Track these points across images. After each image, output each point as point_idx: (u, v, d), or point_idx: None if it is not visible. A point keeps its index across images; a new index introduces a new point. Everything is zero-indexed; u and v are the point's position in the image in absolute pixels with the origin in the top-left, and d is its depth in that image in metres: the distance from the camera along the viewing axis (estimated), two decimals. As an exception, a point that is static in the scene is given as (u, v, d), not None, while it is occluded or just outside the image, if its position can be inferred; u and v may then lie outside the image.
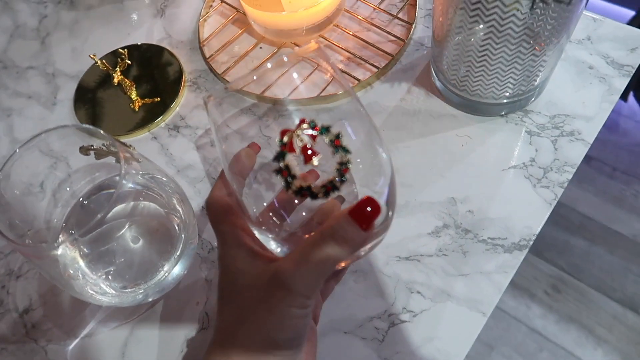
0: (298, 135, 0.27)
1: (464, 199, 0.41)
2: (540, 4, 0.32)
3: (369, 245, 0.30)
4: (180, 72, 0.52)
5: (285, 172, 0.27)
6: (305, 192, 0.27)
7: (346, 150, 0.28)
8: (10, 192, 0.39)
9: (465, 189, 0.41)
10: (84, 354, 0.39)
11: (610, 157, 1.36)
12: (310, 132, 0.27)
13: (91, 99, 0.52)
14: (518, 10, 0.33)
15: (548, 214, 0.39)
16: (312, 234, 0.27)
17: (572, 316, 1.20)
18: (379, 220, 0.28)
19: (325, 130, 0.27)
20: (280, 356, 0.27)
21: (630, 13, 1.37)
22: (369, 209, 0.27)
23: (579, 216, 1.32)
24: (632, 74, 0.44)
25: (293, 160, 0.27)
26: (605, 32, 0.46)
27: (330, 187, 0.28)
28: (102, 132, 0.34)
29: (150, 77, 0.53)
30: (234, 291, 0.29)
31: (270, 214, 0.32)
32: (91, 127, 0.35)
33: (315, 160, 0.28)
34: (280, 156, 0.27)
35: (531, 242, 0.38)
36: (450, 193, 0.41)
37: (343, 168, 0.28)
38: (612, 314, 1.19)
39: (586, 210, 1.31)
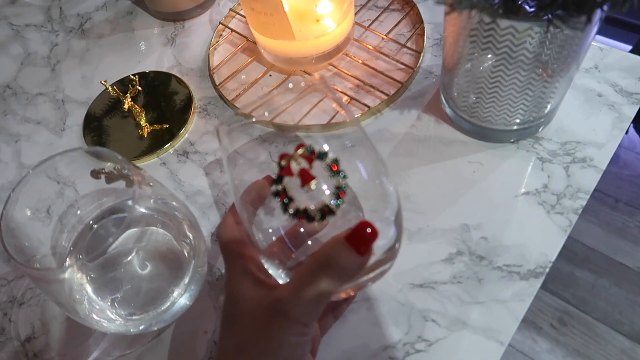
0: (296, 159, 0.27)
1: (477, 226, 0.40)
2: (554, 30, 0.32)
3: (372, 274, 0.30)
4: (189, 99, 0.52)
5: (283, 195, 0.27)
6: (301, 215, 0.27)
7: (343, 175, 0.28)
8: (18, 217, 0.38)
9: (478, 215, 0.41)
10: (87, 385, 0.38)
11: (612, 188, 1.36)
12: (305, 154, 0.28)
13: (100, 125, 0.52)
14: (531, 37, 0.33)
15: (563, 241, 0.39)
16: (307, 259, 0.27)
17: (580, 350, 1.17)
18: (382, 246, 0.28)
19: (323, 155, 0.27)
20: None
21: (627, 47, 1.40)
22: (366, 231, 0.26)
23: (584, 248, 1.31)
24: (641, 102, 0.44)
25: (290, 183, 0.27)
26: (611, 61, 0.47)
27: (326, 211, 0.28)
28: (114, 153, 0.33)
29: (160, 104, 0.53)
30: (235, 317, 0.29)
31: (279, 245, 0.32)
32: (103, 149, 0.35)
33: (312, 184, 0.28)
34: (278, 180, 0.27)
35: (547, 270, 0.38)
36: (463, 219, 0.41)
37: (339, 192, 0.28)
38: (621, 348, 1.17)
39: (590, 242, 1.30)
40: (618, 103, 0.45)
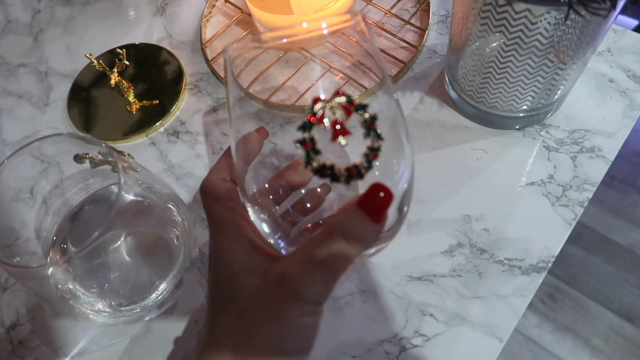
0: (331, 107, 0.24)
1: (479, 217, 0.39)
2: (573, 16, 0.30)
3: (374, 249, 0.28)
4: (180, 74, 0.49)
5: (309, 145, 0.24)
6: (326, 172, 0.24)
7: (379, 136, 0.25)
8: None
9: (481, 206, 0.39)
10: (74, 375, 0.37)
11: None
12: (343, 103, 0.24)
13: (86, 99, 0.50)
14: (547, 20, 0.31)
15: (568, 234, 0.37)
16: (318, 231, 0.24)
17: (568, 326, 1.19)
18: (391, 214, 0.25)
19: (361, 108, 0.24)
20: None
21: (634, 22, 1.37)
22: (380, 195, 0.23)
23: (577, 225, 1.31)
24: (653, 89, 0.43)
25: (319, 133, 0.24)
26: (626, 45, 0.45)
27: (354, 172, 0.24)
28: (100, 141, 0.31)
29: (149, 79, 0.50)
30: (232, 293, 0.25)
31: (267, 193, 0.30)
32: (87, 135, 0.33)
33: (342, 140, 0.24)
34: (306, 126, 0.24)
35: (550, 265, 0.36)
36: (465, 210, 0.39)
37: (372, 154, 0.25)
38: (609, 325, 1.18)
39: (583, 219, 1.30)
40: (630, 90, 0.43)
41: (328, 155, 0.25)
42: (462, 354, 0.34)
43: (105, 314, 0.36)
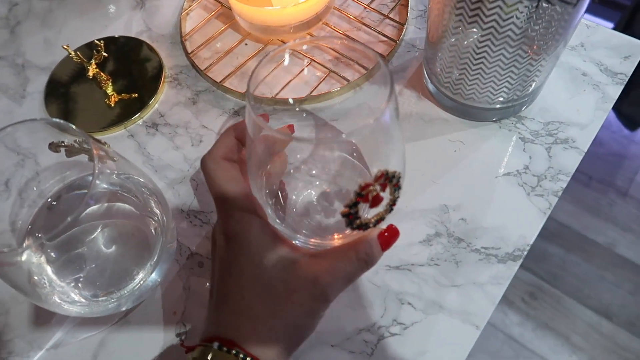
0: (373, 187, 0.29)
1: (456, 207, 0.39)
2: (544, 5, 0.30)
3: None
4: (160, 68, 0.49)
5: (352, 217, 0.29)
6: (361, 227, 0.30)
7: (399, 190, 0.31)
8: (-28, 190, 0.36)
9: (458, 196, 0.40)
10: (49, 368, 0.36)
11: (586, 166, 1.38)
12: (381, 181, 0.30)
13: (64, 93, 0.49)
14: (520, 11, 0.32)
15: (542, 223, 0.38)
16: (346, 250, 0.30)
17: (548, 324, 1.20)
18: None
19: (393, 177, 0.30)
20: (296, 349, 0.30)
21: (609, 25, 1.40)
22: (396, 234, 0.31)
23: (556, 224, 1.33)
24: (625, 82, 0.44)
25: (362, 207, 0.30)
26: (598, 40, 0.46)
27: (380, 220, 0.31)
28: (73, 127, 0.31)
29: (128, 72, 0.50)
30: (256, 273, 0.29)
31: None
32: (62, 121, 0.32)
33: (381, 207, 0.31)
34: (354, 205, 0.29)
35: (525, 253, 0.37)
36: (443, 200, 0.40)
37: (393, 203, 0.31)
38: (588, 322, 1.20)
39: (563, 219, 1.32)
40: (602, 83, 0.44)
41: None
42: (439, 342, 0.35)
43: (81, 304, 0.35)
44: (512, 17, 0.32)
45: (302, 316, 0.29)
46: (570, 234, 1.31)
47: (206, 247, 0.39)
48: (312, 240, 0.34)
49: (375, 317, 0.36)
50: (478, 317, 0.35)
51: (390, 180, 0.30)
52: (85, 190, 0.40)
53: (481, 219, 0.39)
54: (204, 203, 0.41)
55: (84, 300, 0.35)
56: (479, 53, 0.36)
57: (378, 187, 0.30)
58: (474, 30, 0.35)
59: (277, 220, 0.34)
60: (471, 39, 0.36)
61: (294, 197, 0.38)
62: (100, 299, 0.36)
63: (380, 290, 0.37)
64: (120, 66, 0.50)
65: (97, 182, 0.30)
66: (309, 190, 0.38)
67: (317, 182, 0.38)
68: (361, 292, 0.37)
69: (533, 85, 0.40)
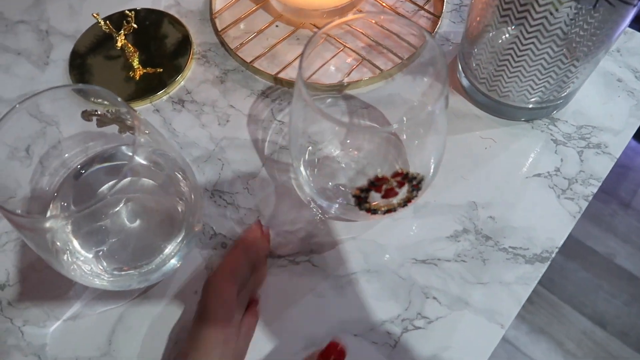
0: (389, 182, 0.30)
1: (485, 204, 0.39)
2: (603, 4, 0.30)
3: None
4: (188, 44, 0.48)
5: (361, 200, 0.31)
6: (370, 210, 0.33)
7: (419, 190, 0.32)
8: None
9: (488, 193, 0.39)
10: (66, 338, 0.35)
11: (591, 175, 1.38)
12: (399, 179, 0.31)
13: (88, 62, 0.48)
14: (573, 11, 0.31)
15: (572, 226, 0.38)
16: None
17: (543, 328, 1.21)
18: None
19: (414, 178, 0.31)
20: None
21: None
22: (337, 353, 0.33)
23: (557, 230, 1.33)
24: (659, 91, 0.43)
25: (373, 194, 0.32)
26: (634, 46, 0.45)
27: (390, 211, 0.33)
28: (111, 93, 0.30)
29: (155, 46, 0.49)
30: (226, 317, 0.32)
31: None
32: (97, 87, 0.31)
33: (394, 200, 0.32)
34: (365, 190, 0.31)
35: (553, 255, 0.37)
36: (472, 197, 0.39)
37: (408, 201, 0.33)
38: (582, 329, 1.21)
39: (564, 226, 1.33)
40: (637, 90, 0.43)
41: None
42: (463, 338, 0.34)
43: (102, 277, 0.35)
44: (562, 17, 0.32)
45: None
46: (570, 241, 1.31)
47: (229, 228, 0.39)
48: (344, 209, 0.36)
49: (399, 309, 0.35)
50: (503, 316, 0.35)
51: (410, 180, 0.31)
52: (112, 162, 0.39)
53: (510, 218, 0.38)
54: (228, 183, 0.41)
55: (105, 274, 0.35)
56: (522, 51, 0.36)
57: (394, 183, 0.31)
58: (520, 28, 0.34)
59: (315, 190, 0.36)
60: (515, 36, 0.35)
61: (331, 172, 0.39)
62: (121, 273, 0.35)
63: (406, 283, 0.36)
64: (146, 39, 0.49)
65: (136, 156, 0.29)
66: (344, 169, 0.39)
67: (353, 165, 0.39)
68: (386, 283, 0.36)
69: (570, 89, 0.39)
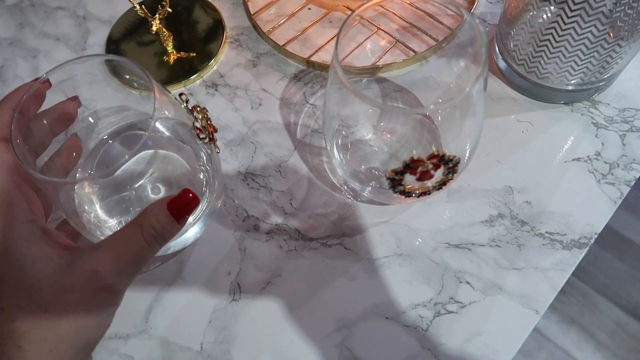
0: (425, 164, 0.30)
1: (521, 189, 0.38)
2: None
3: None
4: (221, 28, 0.48)
5: (396, 182, 0.31)
6: (403, 192, 0.32)
7: (454, 173, 0.31)
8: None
9: (524, 178, 0.38)
10: (106, 316, 0.37)
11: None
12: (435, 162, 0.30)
13: (122, 47, 0.49)
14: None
15: (612, 212, 0.37)
16: (131, 229, 0.26)
17: (574, 318, 1.19)
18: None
19: (450, 160, 0.30)
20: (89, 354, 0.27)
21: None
22: (188, 200, 0.26)
23: (591, 219, 1.30)
24: None
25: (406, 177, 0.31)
26: (683, 26, 0.43)
27: (424, 194, 0.33)
28: (135, 65, 0.30)
29: (188, 30, 0.49)
30: (24, 285, 0.25)
31: None
32: (124, 59, 0.31)
33: (429, 183, 0.31)
34: (400, 172, 0.30)
35: (592, 241, 0.36)
36: (507, 181, 0.38)
37: (443, 184, 0.32)
38: (615, 320, 1.18)
39: (598, 214, 1.29)
40: (685, 72, 0.41)
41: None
42: (497, 323, 0.34)
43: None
44: (608, -8, 0.31)
45: (81, 317, 0.25)
46: (605, 231, 1.28)
47: (262, 210, 0.39)
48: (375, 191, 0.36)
49: (431, 293, 0.35)
50: (539, 302, 0.34)
51: (446, 163, 0.30)
52: (142, 132, 0.40)
53: (547, 203, 0.37)
54: (261, 166, 0.41)
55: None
56: (564, 31, 0.35)
57: (430, 165, 0.30)
58: (562, 7, 0.33)
59: (348, 173, 0.36)
60: (557, 17, 0.34)
61: (364, 155, 0.39)
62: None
63: (439, 267, 0.36)
64: (179, 24, 0.50)
65: (156, 124, 0.29)
66: (377, 152, 0.39)
67: (386, 148, 0.39)
68: (418, 267, 0.36)
69: (613, 69, 0.38)
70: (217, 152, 0.35)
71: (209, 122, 0.33)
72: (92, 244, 0.27)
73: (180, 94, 0.32)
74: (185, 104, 0.32)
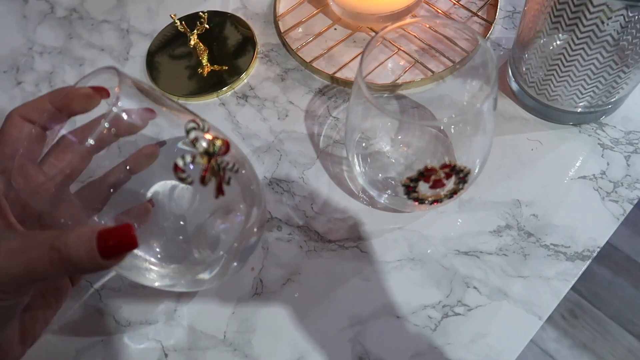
0: (437, 173, 0.33)
1: (529, 203, 0.40)
2: (651, 13, 0.31)
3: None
4: (253, 44, 0.52)
5: (411, 189, 0.34)
6: (417, 200, 0.36)
7: (465, 183, 0.35)
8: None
9: (532, 192, 0.41)
10: (137, 302, 0.40)
11: (645, 190, 1.34)
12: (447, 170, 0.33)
13: (163, 59, 0.53)
14: (624, 18, 0.33)
15: (615, 228, 0.39)
16: (45, 235, 0.22)
17: (586, 344, 1.18)
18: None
19: (461, 171, 0.33)
20: None
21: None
22: (129, 235, 0.22)
23: (606, 245, 1.28)
24: None
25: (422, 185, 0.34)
26: (689, 56, 0.46)
27: (437, 202, 0.36)
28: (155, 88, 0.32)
29: (221, 45, 0.53)
30: None
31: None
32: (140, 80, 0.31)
33: (441, 191, 0.35)
34: (414, 180, 0.34)
35: (594, 254, 0.38)
36: (516, 195, 0.41)
37: (454, 193, 0.35)
38: (628, 348, 1.18)
39: (613, 240, 1.29)
40: (689, 99, 0.44)
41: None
42: (501, 327, 0.36)
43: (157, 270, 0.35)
44: (613, 23, 0.33)
45: None
46: (619, 257, 1.28)
47: (284, 213, 0.42)
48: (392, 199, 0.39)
49: (440, 296, 0.38)
50: (542, 309, 0.36)
51: (457, 172, 0.33)
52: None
53: (553, 217, 0.40)
54: (285, 173, 0.44)
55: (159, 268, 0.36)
56: (572, 57, 0.37)
57: (442, 174, 0.33)
58: (570, 35, 0.36)
59: (367, 181, 0.40)
60: (565, 43, 0.37)
61: (382, 165, 0.42)
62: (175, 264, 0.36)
63: (448, 272, 0.38)
64: (213, 39, 0.53)
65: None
66: (394, 163, 0.42)
67: (402, 160, 0.42)
68: (429, 271, 0.39)
69: (618, 94, 0.40)
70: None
71: (217, 163, 0.27)
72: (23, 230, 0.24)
73: (191, 120, 0.27)
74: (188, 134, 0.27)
